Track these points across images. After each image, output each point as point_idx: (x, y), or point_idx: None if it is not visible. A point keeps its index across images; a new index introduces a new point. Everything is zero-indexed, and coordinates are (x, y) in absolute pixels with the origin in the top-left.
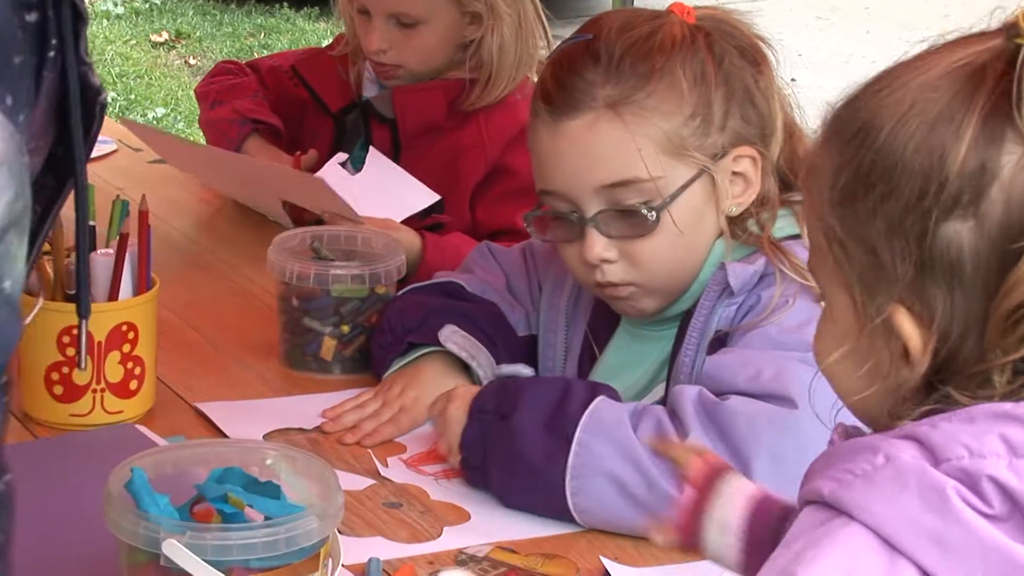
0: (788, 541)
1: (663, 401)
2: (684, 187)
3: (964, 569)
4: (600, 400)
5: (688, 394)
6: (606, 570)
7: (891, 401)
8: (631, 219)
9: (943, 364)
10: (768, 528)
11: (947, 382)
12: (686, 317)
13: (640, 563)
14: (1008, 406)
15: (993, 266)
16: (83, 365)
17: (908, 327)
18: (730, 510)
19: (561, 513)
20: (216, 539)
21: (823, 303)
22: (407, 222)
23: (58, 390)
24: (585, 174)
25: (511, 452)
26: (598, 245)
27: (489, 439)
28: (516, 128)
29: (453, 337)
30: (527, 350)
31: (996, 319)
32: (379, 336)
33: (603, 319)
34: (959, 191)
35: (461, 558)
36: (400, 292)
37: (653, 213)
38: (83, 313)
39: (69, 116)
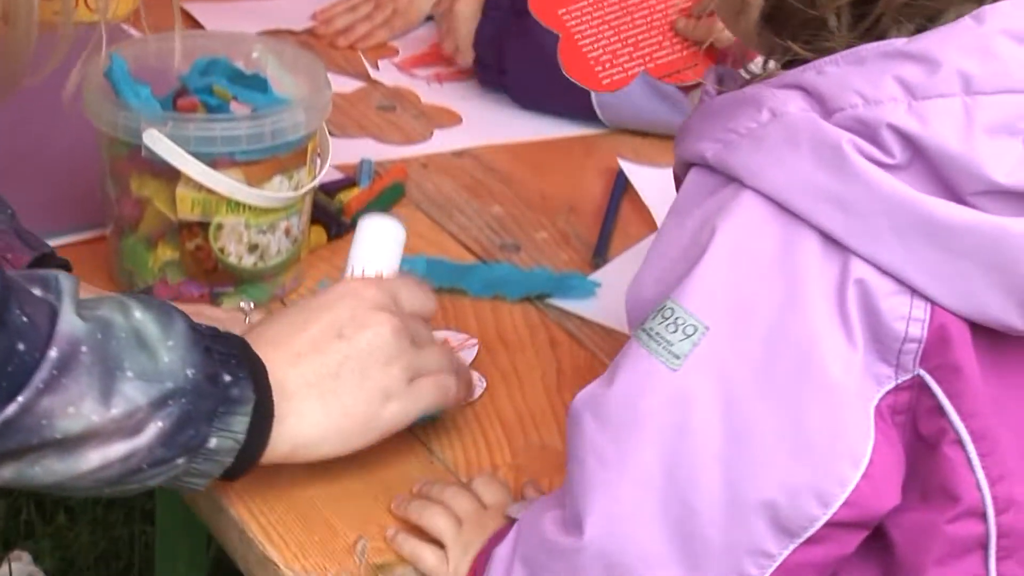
0: (676, 208)
1: None
2: None
3: (869, 228)
4: None
5: None
6: (620, 170)
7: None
8: None
9: (773, 11)
10: None
11: (783, 34)
12: None
13: (659, 161)
14: (900, 43)
15: None
16: None
17: None
18: None
19: (583, 111)
20: (199, 129)
21: None
22: None
23: None
24: None
25: (529, 48)
26: None
27: (504, 35)
28: None
29: None
30: None
31: None
32: None
33: None
34: None
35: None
36: None
37: None
38: None
39: None
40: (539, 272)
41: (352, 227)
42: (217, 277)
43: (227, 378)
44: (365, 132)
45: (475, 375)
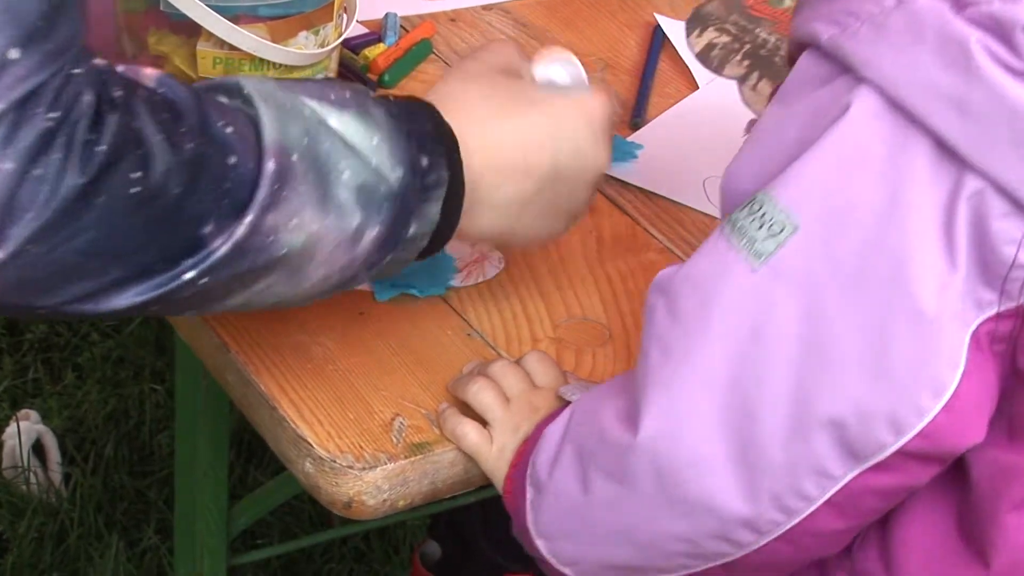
0: (784, 95)
1: None
2: None
3: (986, 136)
4: None
5: None
6: (658, 25)
7: None
8: None
9: None
10: None
11: None
12: None
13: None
14: None
15: None
16: None
17: None
18: None
19: None
20: None
21: None
22: None
23: None
24: None
25: None
26: None
27: None
28: None
29: None
30: None
31: None
32: None
33: None
34: None
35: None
36: None
37: None
38: None
39: None
40: None
41: (380, 86)
42: None
43: (424, 162)
44: None
45: (495, 255)
